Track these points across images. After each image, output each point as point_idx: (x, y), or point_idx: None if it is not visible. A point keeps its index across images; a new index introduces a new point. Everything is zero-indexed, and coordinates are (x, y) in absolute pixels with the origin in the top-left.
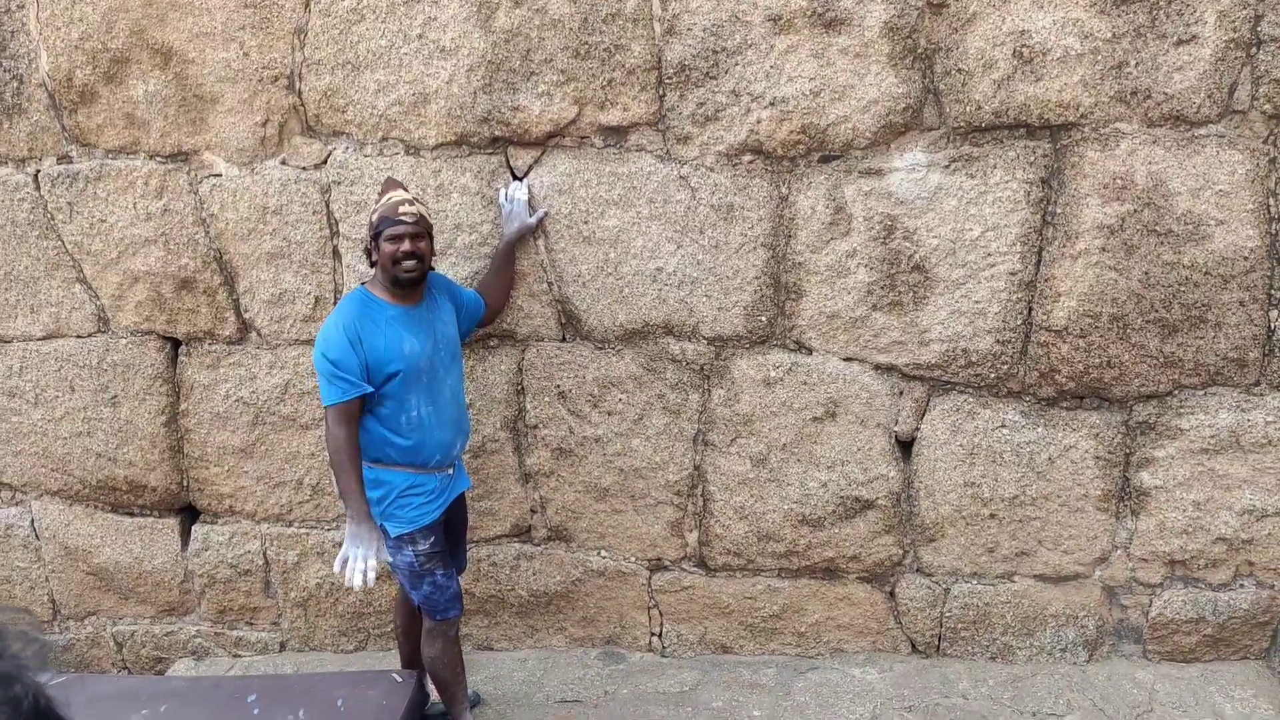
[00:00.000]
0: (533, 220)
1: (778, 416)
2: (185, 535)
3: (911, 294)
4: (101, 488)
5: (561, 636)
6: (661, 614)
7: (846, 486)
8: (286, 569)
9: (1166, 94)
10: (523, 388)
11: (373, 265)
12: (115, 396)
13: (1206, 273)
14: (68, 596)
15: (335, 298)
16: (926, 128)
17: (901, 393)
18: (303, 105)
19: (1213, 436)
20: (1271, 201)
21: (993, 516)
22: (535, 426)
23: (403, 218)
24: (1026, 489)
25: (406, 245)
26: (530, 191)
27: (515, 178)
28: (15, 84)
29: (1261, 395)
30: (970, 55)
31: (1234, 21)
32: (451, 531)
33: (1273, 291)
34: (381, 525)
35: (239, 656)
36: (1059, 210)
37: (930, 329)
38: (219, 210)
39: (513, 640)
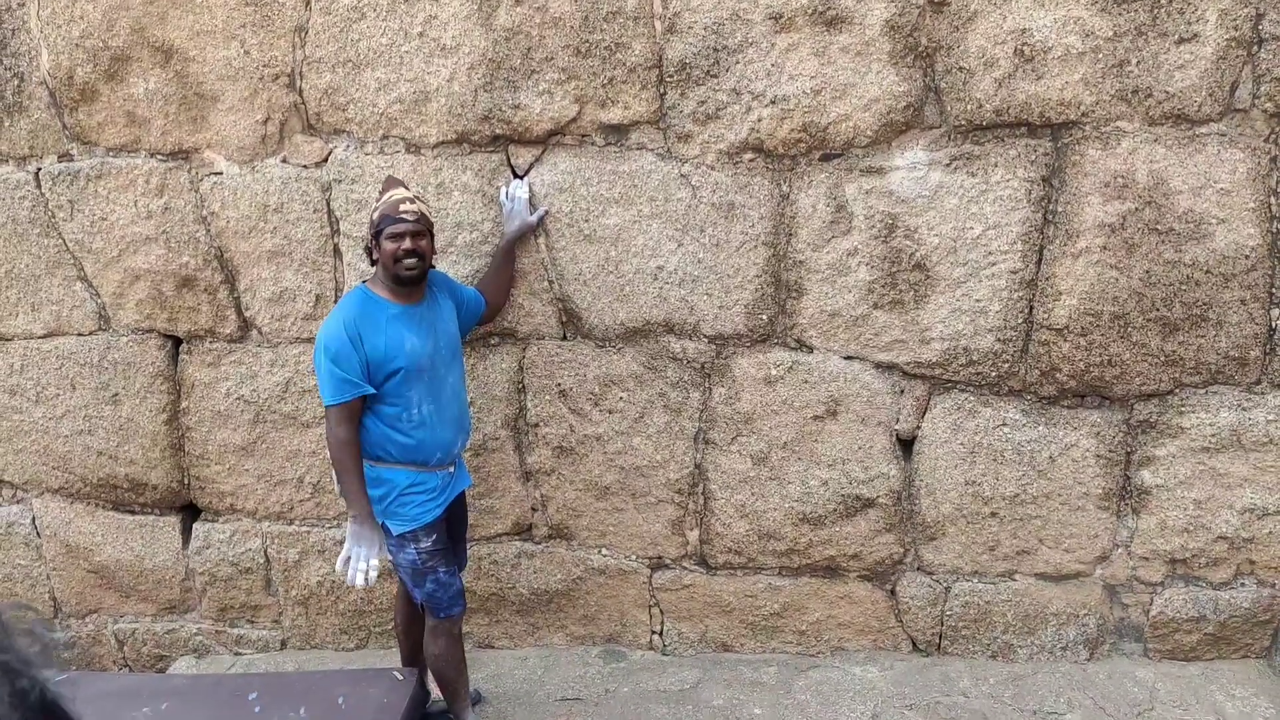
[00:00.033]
0: (533, 218)
1: (779, 415)
2: (186, 533)
3: (912, 292)
4: (102, 486)
5: (562, 634)
6: (662, 612)
7: (847, 485)
8: (287, 567)
9: (1168, 92)
10: (524, 386)
11: (373, 263)
12: (116, 394)
13: (1208, 271)
14: (69, 594)
15: (336, 296)
16: (928, 126)
17: (902, 391)
18: (303, 103)
19: (1214, 435)
20: (1272, 200)
21: (994, 515)
22: (536, 425)
23: (404, 216)
24: (1027, 487)
25: (407, 243)
26: (531, 190)
27: (516, 176)
28: (16, 82)
29: (1262, 394)
30: (971, 53)
31: (1235, 20)
32: (452, 530)
33: (1274, 290)
34: (383, 523)
35: (240, 654)
36: (1060, 209)
37: (931, 327)
38: (220, 208)
39: (514, 638)
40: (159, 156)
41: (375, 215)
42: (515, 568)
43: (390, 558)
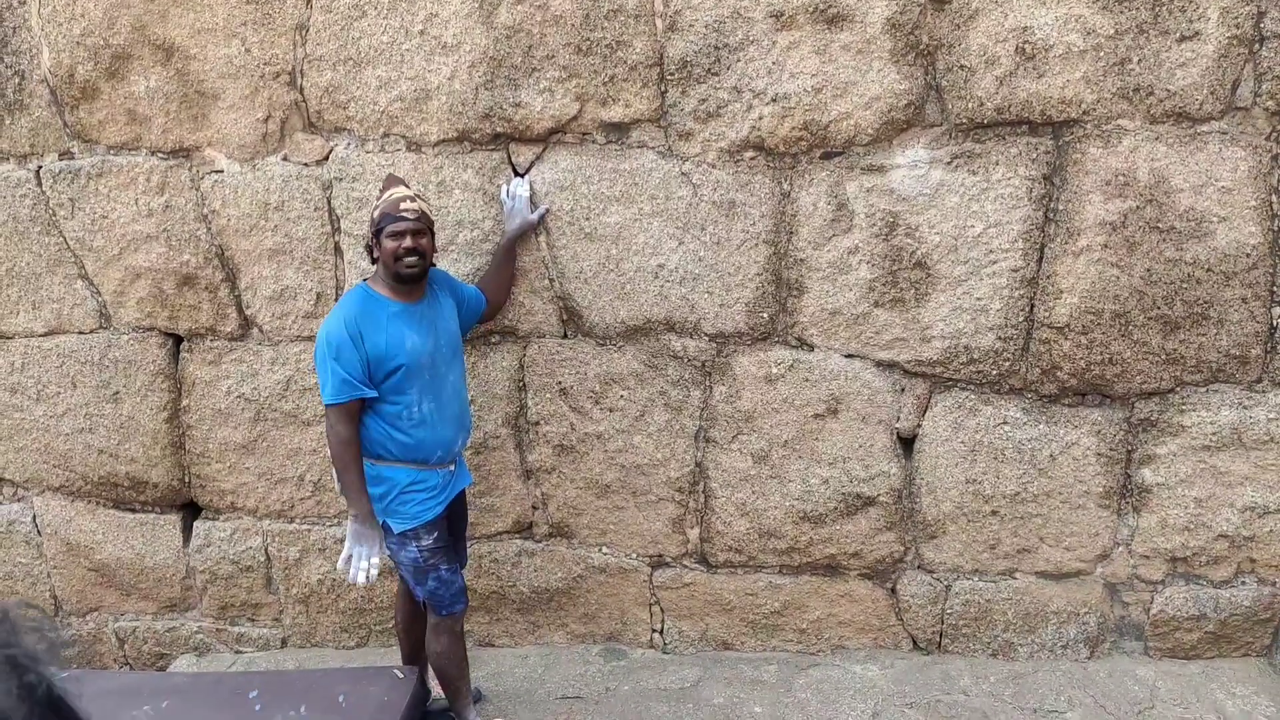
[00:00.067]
0: (534, 217)
1: (779, 413)
2: (187, 531)
3: (913, 291)
4: (103, 484)
5: (563, 633)
6: (663, 610)
7: (848, 483)
8: (288, 565)
9: (1169, 90)
10: (524, 384)
11: (374, 262)
12: (117, 393)
13: (1209, 270)
14: (69, 593)
15: (337, 294)
16: (929, 124)
17: (903, 389)
18: (304, 101)
19: (1214, 433)
20: (1274, 198)
21: (994, 513)
22: (537, 423)
23: (404, 214)
24: (1028, 486)
25: (408, 242)
26: (532, 188)
27: (517, 174)
28: (17, 80)
29: (1263, 392)
30: (972, 51)
31: (1236, 18)
32: (453, 528)
33: (1275, 288)
34: (384, 522)
35: (240, 653)
36: (1061, 207)
37: (932, 326)
38: (220, 206)
39: (514, 637)
40: (160, 155)
41: (376, 213)
42: (516, 566)
43: (391, 556)
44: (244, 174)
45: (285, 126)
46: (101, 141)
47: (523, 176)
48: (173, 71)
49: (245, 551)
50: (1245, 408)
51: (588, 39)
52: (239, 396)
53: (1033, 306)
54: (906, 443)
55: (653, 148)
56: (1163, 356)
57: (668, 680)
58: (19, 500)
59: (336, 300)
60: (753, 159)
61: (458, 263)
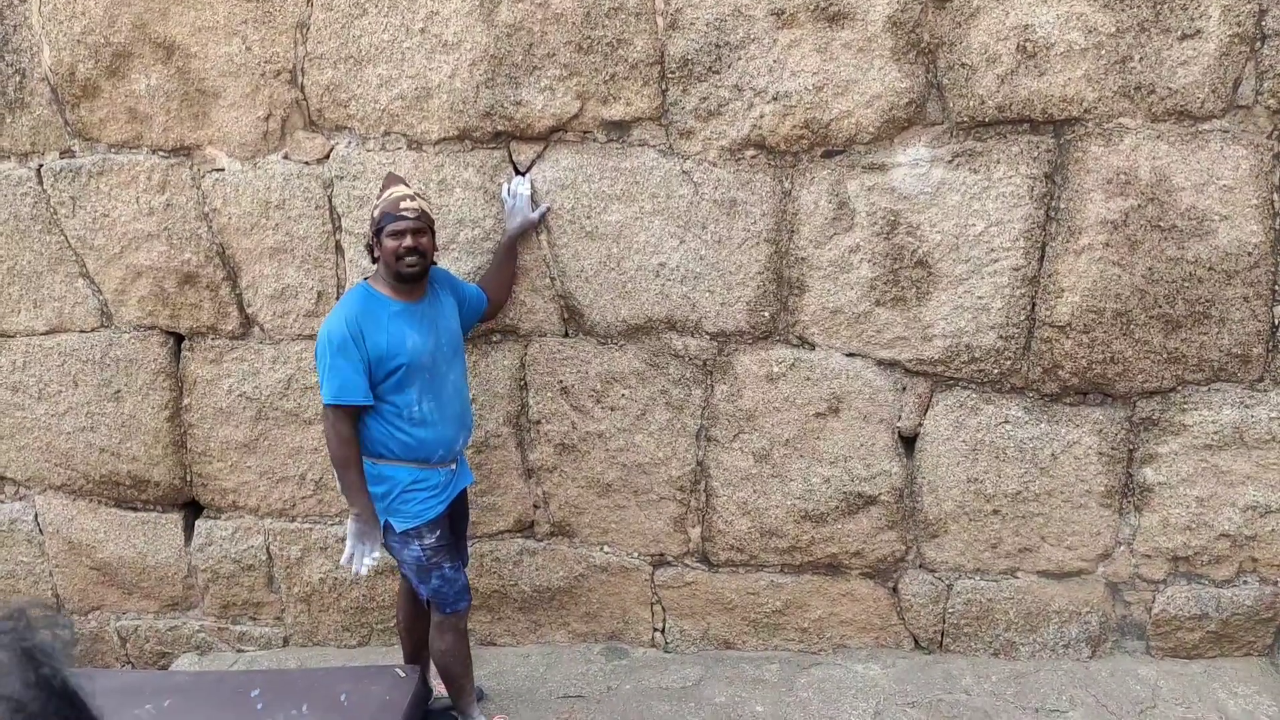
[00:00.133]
0: (535, 215)
1: (780, 412)
2: (189, 530)
3: (915, 289)
4: (105, 483)
5: (564, 632)
6: (664, 610)
7: (849, 482)
8: (290, 564)
9: (1170, 89)
10: (525, 383)
11: (375, 261)
12: (118, 391)
13: (1210, 268)
14: (71, 591)
15: (338, 293)
16: (930, 123)
17: (905, 388)
18: (305, 100)
19: (1216, 433)
20: (1275, 197)
21: (996, 512)
22: (538, 422)
23: (404, 213)
24: (1030, 485)
25: (408, 241)
26: (533, 186)
27: (518, 173)
28: (18, 78)
29: (1265, 391)
30: (974, 50)
31: (1238, 16)
32: (454, 527)
33: (1276, 287)
34: (386, 521)
35: (242, 651)
36: (1062, 205)
37: (933, 324)
38: (221, 205)
39: (516, 636)
40: (161, 153)
41: (376, 212)
42: (517, 565)
43: (394, 555)
44: (245, 172)
45: (286, 125)
46: (102, 140)
47: (524, 175)
48: (173, 70)
49: (247, 550)
50: (1247, 407)
51: (589, 37)
52: (240, 395)
53: (1034, 305)
54: (908, 442)
55: (654, 146)
56: (1164, 355)
57: (669, 679)
58: (21, 499)
59: (337, 299)
60: (754, 157)
61: (459, 261)
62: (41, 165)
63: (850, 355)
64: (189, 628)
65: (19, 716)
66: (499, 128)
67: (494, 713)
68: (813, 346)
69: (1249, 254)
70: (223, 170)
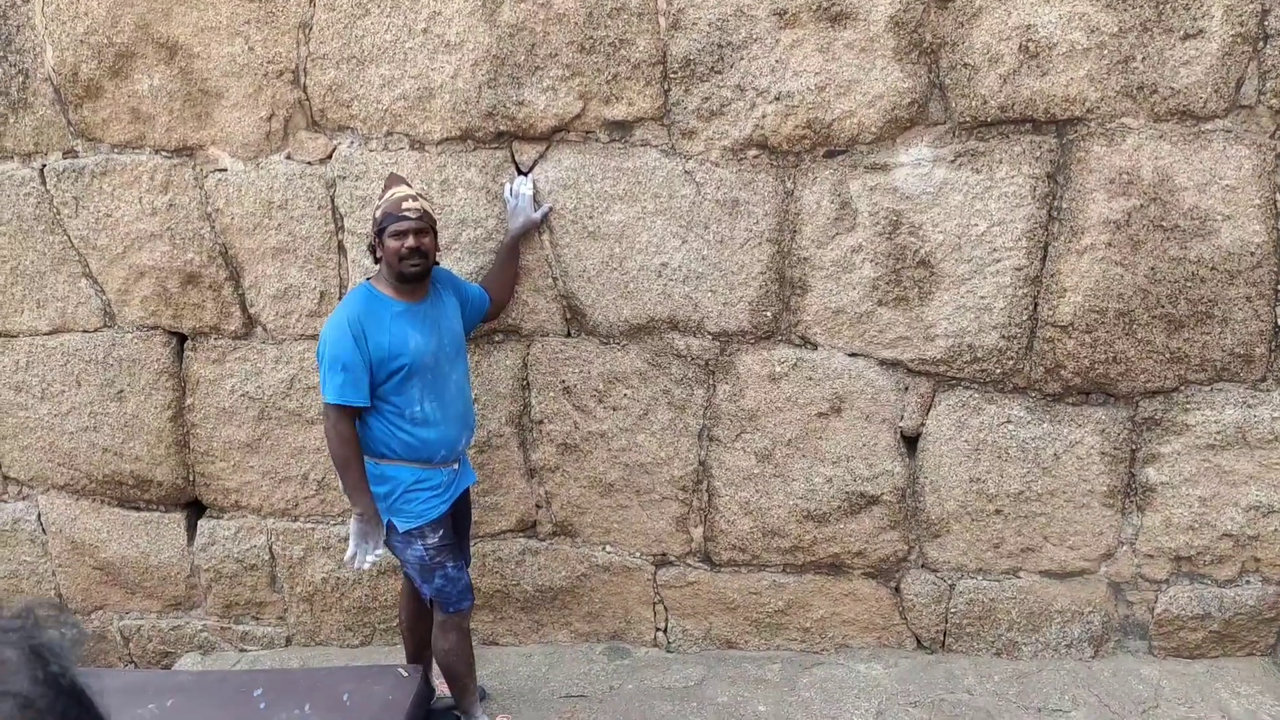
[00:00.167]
0: (537, 215)
1: (783, 412)
2: (191, 530)
3: (917, 289)
4: (108, 482)
5: (567, 632)
6: (667, 609)
7: (851, 482)
8: (292, 564)
9: (1173, 89)
10: (528, 383)
11: (377, 261)
12: (121, 391)
13: (1213, 268)
14: (74, 591)
15: (340, 292)
16: (932, 123)
17: (907, 388)
18: (308, 100)
19: (1219, 432)
20: (1278, 197)
21: (998, 512)
22: (540, 422)
23: (406, 213)
24: (1032, 485)
25: (411, 241)
26: (535, 186)
27: (520, 173)
28: (21, 79)
29: (1268, 391)
30: (976, 50)
31: (1240, 15)
32: (457, 526)
33: (1279, 287)
34: (389, 521)
35: (245, 651)
36: (1065, 205)
37: (936, 324)
38: (224, 205)
39: (518, 635)
40: (164, 153)
41: (378, 213)
42: (520, 565)
43: (397, 554)
44: (247, 172)
45: (289, 125)
46: (105, 140)
47: (526, 175)
48: (176, 70)
49: (249, 550)
50: (1250, 406)
51: (591, 37)
52: (243, 395)
53: (1036, 305)
54: (910, 441)
55: (656, 146)
56: (1167, 355)
57: (672, 679)
58: (24, 498)
59: (340, 299)
60: (756, 157)
61: (461, 261)
62: (45, 165)
63: (852, 355)
64: (192, 627)
65: (27, 714)
66: (501, 128)
67: (496, 712)
68: (815, 346)
69: (1251, 254)
70: (225, 170)
